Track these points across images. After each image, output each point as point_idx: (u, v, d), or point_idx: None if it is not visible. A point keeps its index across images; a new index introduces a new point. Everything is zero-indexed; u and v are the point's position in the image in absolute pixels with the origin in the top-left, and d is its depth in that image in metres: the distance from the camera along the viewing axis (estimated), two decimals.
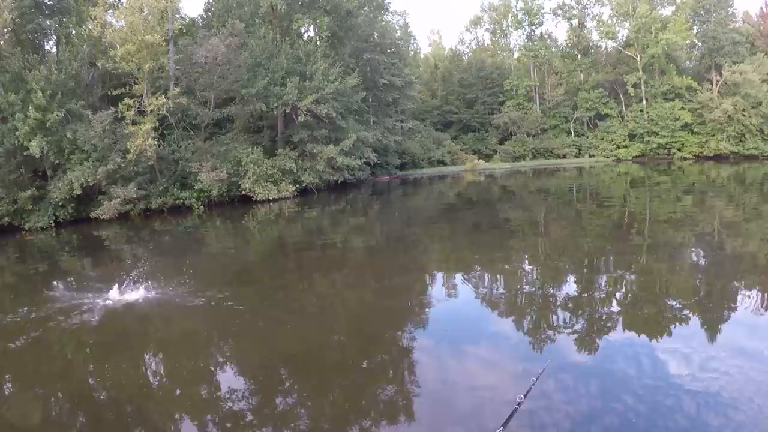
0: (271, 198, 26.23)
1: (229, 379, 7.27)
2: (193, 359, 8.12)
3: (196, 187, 25.34)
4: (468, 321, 8.77)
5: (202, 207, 25.41)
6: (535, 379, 3.82)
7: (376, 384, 6.66)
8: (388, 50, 34.41)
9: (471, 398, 6.06)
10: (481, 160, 38.29)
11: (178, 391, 7.12)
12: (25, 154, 25.34)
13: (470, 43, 51.87)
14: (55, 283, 15.72)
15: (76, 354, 9.11)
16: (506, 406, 5.95)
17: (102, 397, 7.16)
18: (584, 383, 6.21)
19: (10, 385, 8.28)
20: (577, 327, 7.96)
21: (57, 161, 25.57)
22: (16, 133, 24.74)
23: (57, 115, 24.39)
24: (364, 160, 29.98)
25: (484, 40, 51.73)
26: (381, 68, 32.84)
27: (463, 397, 6.10)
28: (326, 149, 28.02)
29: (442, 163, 37.11)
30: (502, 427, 2.97)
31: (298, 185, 27.39)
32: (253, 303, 10.83)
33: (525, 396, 3.43)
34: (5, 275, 19.15)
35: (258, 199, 26.07)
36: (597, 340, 7.44)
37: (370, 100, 33.01)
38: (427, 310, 9.37)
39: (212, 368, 7.81)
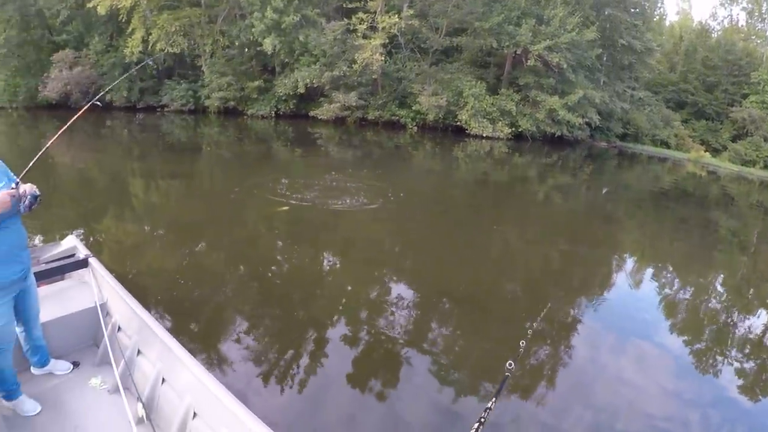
0: (484, 135, 24.88)
1: (393, 295, 7.02)
2: (367, 268, 8.04)
3: (413, 108, 24.81)
4: (640, 317, 7.45)
5: (415, 128, 24.89)
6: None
7: (527, 345, 5.62)
8: (632, 9, 30.86)
9: (614, 393, 5.17)
10: (707, 152, 33.52)
11: (345, 291, 7.10)
12: (257, 49, 26.49)
13: (722, 21, 45.32)
14: (264, 167, 16.10)
15: (265, 233, 9.38)
16: (646, 417, 4.75)
17: (277, 273, 7.49)
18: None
19: (202, 246, 8.73)
20: (746, 367, 6.23)
21: (286, 60, 26.39)
22: (252, 30, 25.90)
23: (292, 19, 24.95)
24: (586, 120, 27.36)
25: (738, 20, 45.00)
26: (621, 27, 29.50)
27: (607, 389, 5.25)
28: (550, 99, 25.92)
29: (666, 144, 32.99)
30: (494, 399, 2.57)
31: (513, 129, 25.67)
32: (441, 230, 10.57)
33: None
34: (222, 150, 20.01)
35: (471, 132, 24.87)
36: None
37: (605, 59, 29.93)
38: (604, 290, 8.33)
39: (383, 280, 7.61)
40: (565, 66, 25.65)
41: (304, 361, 5.14)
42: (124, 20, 29.46)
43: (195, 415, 3.19)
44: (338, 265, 8.04)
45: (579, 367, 5.57)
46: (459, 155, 22.11)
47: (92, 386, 3.90)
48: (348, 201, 11.56)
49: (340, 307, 6.45)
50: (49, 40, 34.11)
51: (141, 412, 3.35)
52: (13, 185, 3.08)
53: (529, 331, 3.60)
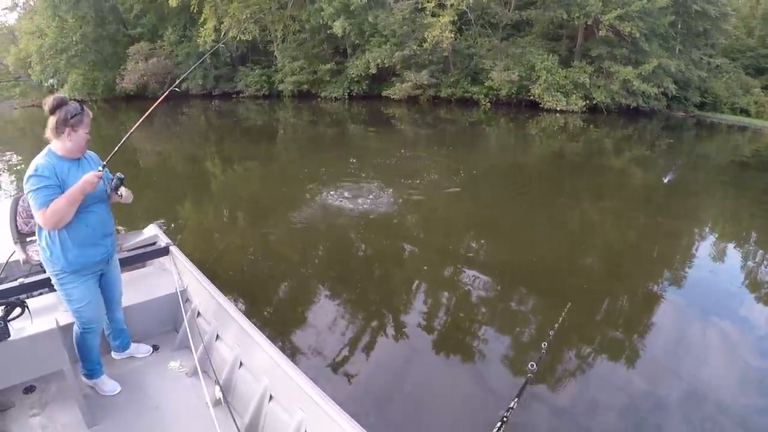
0: (558, 109, 24.55)
1: (465, 275, 6.90)
2: (437, 246, 8.04)
3: (485, 84, 24.72)
4: (722, 293, 6.97)
5: (488, 104, 24.79)
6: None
7: (603, 322, 5.86)
8: None
9: (693, 375, 4.84)
10: None
11: (415, 272, 7.06)
12: (328, 32, 26.76)
13: None
14: (337, 148, 16.55)
15: (334, 215, 9.36)
16: (719, 404, 4.46)
17: (349, 255, 7.59)
18: None
19: (276, 229, 8.92)
20: None
21: (357, 41, 26.58)
22: (322, 13, 26.14)
23: (360, 1, 25.01)
24: (662, 89, 26.58)
25: None
26: None
27: (686, 367, 4.99)
28: (624, 70, 25.29)
29: (745, 112, 31.69)
30: (516, 399, 2.46)
31: (587, 101, 25.21)
32: (513, 206, 10.42)
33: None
34: (297, 133, 20.61)
35: (545, 107, 24.58)
36: None
37: (679, 26, 28.87)
38: (685, 266, 7.82)
39: (453, 259, 7.53)
40: (637, 35, 24.95)
41: (377, 345, 5.19)
42: (195, 11, 30.33)
43: (271, 397, 3.25)
44: (409, 245, 8.03)
45: (660, 344, 5.39)
46: (533, 130, 21.96)
47: (171, 369, 4.02)
48: (418, 180, 11.59)
49: (412, 290, 6.45)
50: (125, 33, 35.53)
51: (218, 394, 3.47)
52: (100, 168, 3.25)
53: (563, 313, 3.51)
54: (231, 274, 6.63)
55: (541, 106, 24.65)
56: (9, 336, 3.03)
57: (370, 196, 10.20)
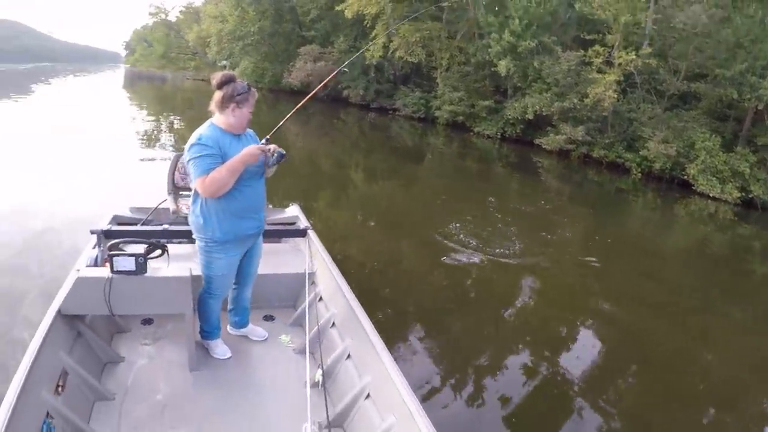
0: (711, 195, 23.76)
1: (576, 343, 6.99)
2: (552, 307, 8.03)
3: (641, 153, 24.46)
4: None
5: (640, 174, 24.53)
6: None
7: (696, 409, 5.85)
8: None
9: None
10: None
11: (528, 324, 7.25)
12: (492, 69, 27.75)
13: None
14: (478, 184, 17.32)
15: (467, 246, 9.48)
16: None
17: (469, 286, 7.92)
18: None
19: (404, 244, 9.22)
20: None
21: (518, 84, 27.32)
22: (489, 50, 27.07)
23: (529, 44, 25.67)
24: None
25: None
26: None
27: None
28: None
29: None
30: None
31: (743, 193, 24.18)
32: (644, 289, 9.71)
33: None
34: (444, 160, 21.47)
35: (697, 189, 23.93)
36: None
37: None
38: None
39: (566, 323, 7.55)
40: None
41: (478, 378, 5.44)
42: (368, 25, 32.41)
43: (368, 395, 3.30)
44: (529, 303, 8.03)
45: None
46: (680, 212, 21.52)
47: (281, 341, 4.32)
48: (554, 236, 11.69)
49: (526, 339, 6.70)
50: (299, 34, 38.51)
51: (318, 377, 3.64)
52: (263, 141, 3.49)
53: None
54: (352, 272, 6.96)
55: (693, 187, 24.05)
56: (146, 272, 3.35)
57: (503, 240, 10.41)
